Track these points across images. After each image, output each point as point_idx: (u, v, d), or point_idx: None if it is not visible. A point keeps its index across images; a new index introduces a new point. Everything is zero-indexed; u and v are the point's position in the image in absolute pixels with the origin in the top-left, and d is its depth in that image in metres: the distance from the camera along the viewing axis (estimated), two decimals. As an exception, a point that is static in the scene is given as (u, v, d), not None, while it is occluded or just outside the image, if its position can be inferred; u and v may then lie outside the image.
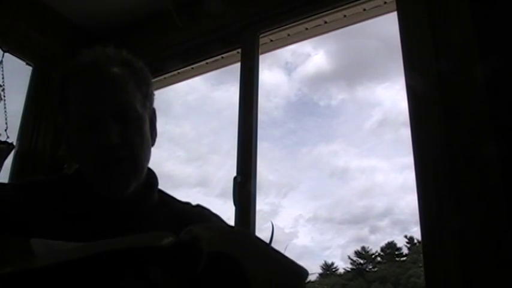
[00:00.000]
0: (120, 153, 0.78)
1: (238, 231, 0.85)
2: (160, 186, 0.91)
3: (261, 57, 1.97)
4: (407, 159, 1.39)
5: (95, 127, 0.78)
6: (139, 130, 0.82)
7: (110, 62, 0.83)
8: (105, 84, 0.81)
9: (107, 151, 0.77)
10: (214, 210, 0.93)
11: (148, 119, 0.86)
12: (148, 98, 0.88)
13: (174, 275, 0.55)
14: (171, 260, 0.55)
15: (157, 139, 0.91)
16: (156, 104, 0.92)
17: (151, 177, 0.89)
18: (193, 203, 0.94)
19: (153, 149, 0.87)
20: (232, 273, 0.57)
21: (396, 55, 1.54)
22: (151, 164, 0.88)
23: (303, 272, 0.65)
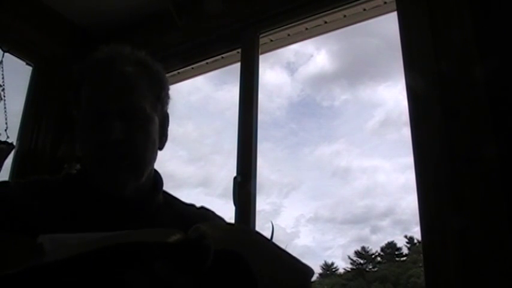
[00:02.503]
0: (120, 149, 0.78)
1: (245, 230, 0.85)
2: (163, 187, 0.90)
3: (263, 57, 1.97)
4: (409, 159, 1.39)
5: (101, 123, 0.78)
6: (145, 130, 0.81)
7: (123, 60, 0.83)
8: (114, 81, 0.81)
9: (107, 146, 0.77)
10: (216, 210, 0.93)
11: (158, 121, 0.85)
12: (161, 101, 0.87)
13: (180, 271, 0.55)
14: (178, 256, 0.55)
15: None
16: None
17: (157, 178, 0.89)
18: (195, 203, 0.94)
19: None
20: (239, 271, 0.58)
21: (399, 54, 1.54)
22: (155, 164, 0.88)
23: (309, 271, 0.66)
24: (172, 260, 0.55)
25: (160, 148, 0.88)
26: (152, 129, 0.83)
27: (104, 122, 0.78)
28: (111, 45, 0.86)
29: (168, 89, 0.90)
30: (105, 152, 0.78)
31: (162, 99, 0.87)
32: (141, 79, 0.83)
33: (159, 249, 0.54)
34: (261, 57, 1.96)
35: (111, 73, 0.81)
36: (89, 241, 0.54)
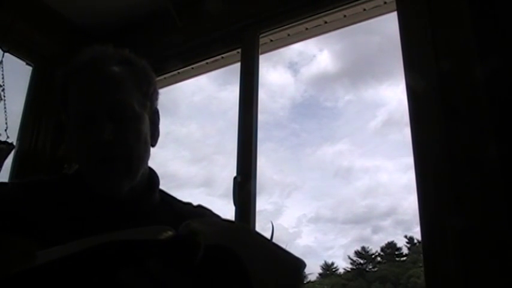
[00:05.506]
0: (113, 151, 0.78)
1: (235, 225, 0.86)
2: (164, 186, 0.90)
3: (265, 57, 1.98)
4: (411, 159, 1.39)
5: (91, 125, 0.78)
6: (135, 129, 0.81)
7: (108, 60, 0.83)
8: (101, 82, 0.81)
9: (99, 148, 0.77)
10: (217, 210, 0.93)
11: (148, 118, 0.85)
12: (149, 98, 0.87)
13: (172, 267, 0.55)
14: (170, 253, 0.55)
15: (163, 139, 0.89)
16: (162, 104, 0.90)
17: (153, 177, 0.89)
18: (197, 203, 0.94)
19: (157, 149, 0.87)
20: (231, 265, 0.58)
21: (400, 52, 1.54)
22: (156, 164, 0.88)
23: (300, 263, 0.66)
24: (164, 257, 0.55)
25: (153, 145, 0.88)
26: (142, 128, 0.83)
27: (93, 123, 0.78)
28: (93, 46, 0.86)
29: (155, 85, 0.90)
30: (97, 154, 0.78)
31: (150, 95, 0.87)
32: (127, 78, 0.82)
33: (150, 246, 0.55)
34: (263, 57, 1.97)
35: (96, 74, 0.81)
36: (81, 242, 0.54)
